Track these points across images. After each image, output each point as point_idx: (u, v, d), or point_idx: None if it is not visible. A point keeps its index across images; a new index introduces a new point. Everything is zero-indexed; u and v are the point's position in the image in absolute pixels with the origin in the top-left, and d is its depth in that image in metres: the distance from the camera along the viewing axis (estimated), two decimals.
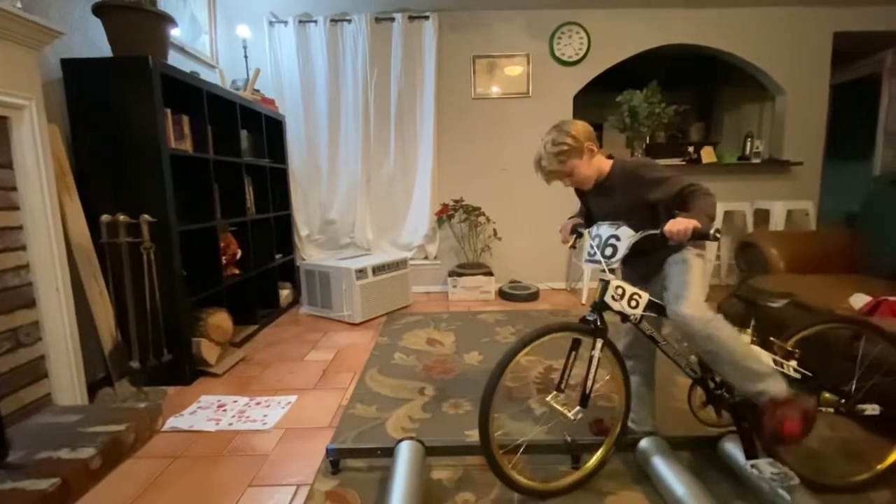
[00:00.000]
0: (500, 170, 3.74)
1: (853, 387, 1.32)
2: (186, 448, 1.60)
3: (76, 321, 1.72)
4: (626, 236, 1.25)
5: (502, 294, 3.56)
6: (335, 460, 1.44)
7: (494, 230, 3.72)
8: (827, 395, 1.31)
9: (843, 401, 1.31)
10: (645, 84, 3.45)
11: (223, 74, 3.02)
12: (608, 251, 1.28)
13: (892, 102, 3.88)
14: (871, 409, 1.30)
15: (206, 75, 2.72)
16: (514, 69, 3.63)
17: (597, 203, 1.50)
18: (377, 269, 3.09)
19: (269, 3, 3.37)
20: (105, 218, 1.88)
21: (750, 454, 1.27)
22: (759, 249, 2.39)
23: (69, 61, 1.92)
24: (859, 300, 1.78)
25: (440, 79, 3.55)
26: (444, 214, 3.60)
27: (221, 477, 1.44)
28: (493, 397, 1.22)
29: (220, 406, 1.91)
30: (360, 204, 3.69)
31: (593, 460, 1.36)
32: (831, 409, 1.31)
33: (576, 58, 3.58)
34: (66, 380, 1.67)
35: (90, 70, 1.93)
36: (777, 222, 3.34)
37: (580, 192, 1.57)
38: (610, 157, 1.46)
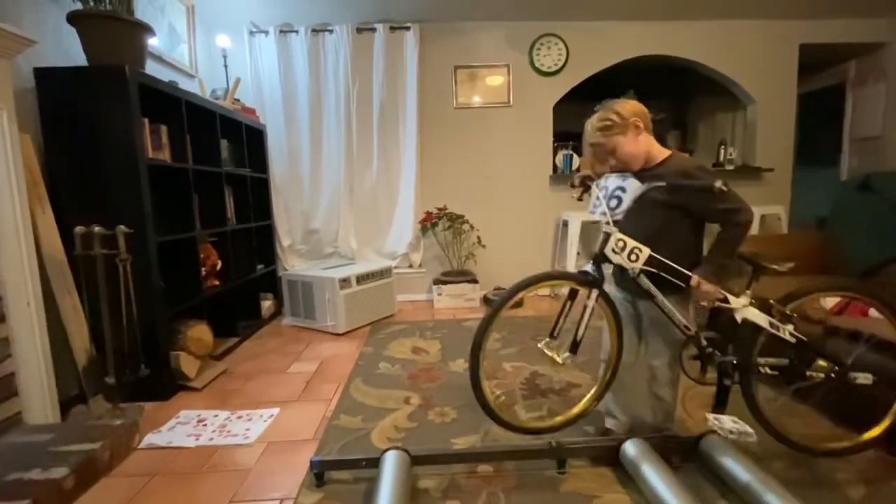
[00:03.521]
0: (483, 178, 3.77)
1: (851, 359, 1.30)
2: (165, 465, 1.56)
3: (48, 336, 1.66)
4: (633, 188, 1.25)
5: (487, 301, 3.57)
6: (320, 473, 1.42)
7: (478, 238, 3.74)
8: (821, 362, 1.30)
9: (836, 367, 1.29)
10: (622, 94, 3.52)
11: (202, 84, 2.99)
12: (613, 202, 1.29)
13: (856, 111, 4.05)
14: (864, 378, 1.28)
15: (185, 84, 2.69)
16: (495, 79, 3.68)
17: None
18: (361, 279, 3.07)
19: (249, 13, 3.35)
20: (79, 230, 1.83)
21: (717, 409, 1.31)
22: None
23: (42, 70, 1.88)
24: (829, 300, 1.84)
25: (422, 88, 3.57)
26: (428, 223, 3.61)
27: (202, 494, 1.41)
28: (487, 334, 1.31)
29: (200, 421, 1.86)
30: (343, 213, 3.67)
31: (581, 404, 1.49)
32: (822, 376, 1.30)
33: (555, 68, 3.65)
34: (38, 397, 1.61)
35: (64, 79, 1.89)
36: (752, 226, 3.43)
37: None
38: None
